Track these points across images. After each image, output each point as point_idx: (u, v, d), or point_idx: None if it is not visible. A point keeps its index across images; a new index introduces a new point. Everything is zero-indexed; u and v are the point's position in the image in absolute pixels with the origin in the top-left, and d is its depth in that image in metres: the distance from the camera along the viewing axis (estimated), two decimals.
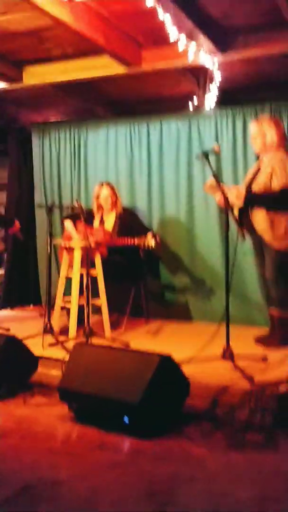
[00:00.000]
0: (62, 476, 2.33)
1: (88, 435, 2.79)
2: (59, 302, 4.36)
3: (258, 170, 3.81)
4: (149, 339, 4.35)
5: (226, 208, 3.39)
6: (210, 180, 3.78)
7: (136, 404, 2.69)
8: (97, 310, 4.35)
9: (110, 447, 2.64)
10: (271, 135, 3.78)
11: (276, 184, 3.60)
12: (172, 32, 3.37)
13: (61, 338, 3.99)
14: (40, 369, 3.44)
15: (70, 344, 3.63)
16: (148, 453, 2.56)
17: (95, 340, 3.86)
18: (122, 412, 2.79)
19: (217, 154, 4.04)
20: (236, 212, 3.67)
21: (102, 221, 4.85)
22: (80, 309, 4.12)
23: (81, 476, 2.34)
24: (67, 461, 2.49)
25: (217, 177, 3.58)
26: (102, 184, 4.82)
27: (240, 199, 3.67)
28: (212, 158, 3.74)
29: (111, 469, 2.40)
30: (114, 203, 4.79)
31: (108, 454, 2.56)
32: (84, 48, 4.03)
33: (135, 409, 2.71)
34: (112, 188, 4.80)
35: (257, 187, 3.69)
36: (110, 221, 4.81)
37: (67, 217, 4.81)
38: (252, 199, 3.65)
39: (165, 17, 3.21)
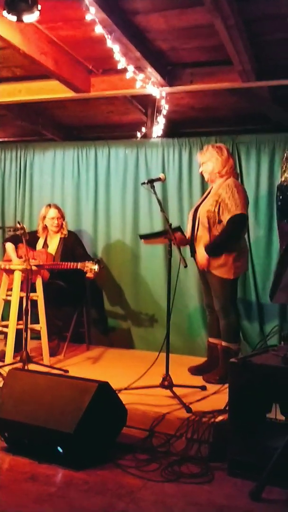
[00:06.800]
0: None
1: (19, 466, 2.69)
2: None
3: (207, 196, 3.83)
4: (88, 366, 4.27)
5: (169, 238, 3.39)
6: (143, 241, 3.86)
7: (71, 434, 2.62)
8: (37, 335, 4.23)
9: (41, 479, 2.54)
10: (214, 164, 3.76)
11: (227, 216, 3.61)
12: (121, 62, 3.43)
13: None
14: None
15: (5, 370, 3.50)
16: (80, 485, 2.48)
17: (32, 367, 3.74)
18: (56, 441, 2.70)
19: (163, 182, 4.07)
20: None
21: (46, 244, 4.77)
22: (19, 333, 4.00)
23: (9, 510, 2.23)
24: None
25: (161, 204, 3.57)
26: (49, 206, 4.76)
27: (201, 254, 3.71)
28: (158, 185, 3.75)
29: (41, 502, 2.31)
30: (60, 226, 4.74)
31: (39, 486, 2.47)
32: (33, 71, 4.03)
33: (70, 439, 2.63)
34: (60, 211, 4.75)
35: (202, 212, 3.71)
36: (54, 243, 4.74)
37: (8, 240, 4.70)
38: (215, 248, 3.67)
39: (114, 47, 3.26)
